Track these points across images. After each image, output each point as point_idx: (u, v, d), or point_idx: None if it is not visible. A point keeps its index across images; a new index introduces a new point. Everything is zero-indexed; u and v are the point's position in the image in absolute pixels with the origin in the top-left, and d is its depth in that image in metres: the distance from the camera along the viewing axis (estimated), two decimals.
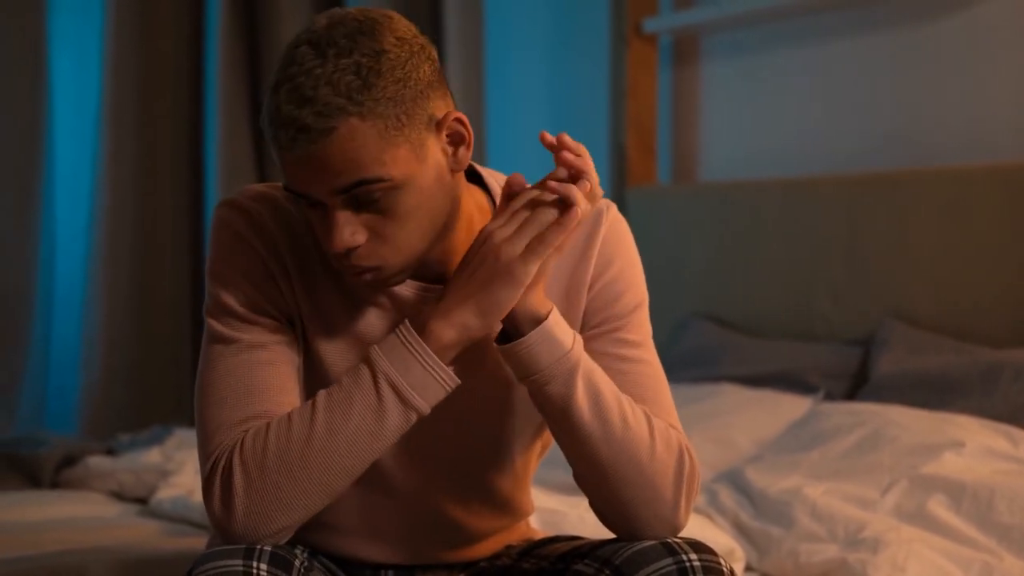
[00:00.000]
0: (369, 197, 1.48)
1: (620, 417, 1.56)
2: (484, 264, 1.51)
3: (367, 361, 1.53)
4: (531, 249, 1.50)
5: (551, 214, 1.51)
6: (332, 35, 1.47)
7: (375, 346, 1.54)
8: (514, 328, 1.55)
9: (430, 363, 1.52)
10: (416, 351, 1.52)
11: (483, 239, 1.52)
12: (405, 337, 1.52)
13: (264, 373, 1.57)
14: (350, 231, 1.49)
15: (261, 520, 1.51)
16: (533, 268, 1.50)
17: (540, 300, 1.54)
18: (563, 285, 1.64)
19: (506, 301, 1.51)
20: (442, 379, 1.53)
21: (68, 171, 4.21)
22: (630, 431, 1.56)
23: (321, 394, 1.53)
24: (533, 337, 1.53)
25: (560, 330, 1.54)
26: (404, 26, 1.51)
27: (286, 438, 1.51)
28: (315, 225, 1.52)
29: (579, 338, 1.56)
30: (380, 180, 1.48)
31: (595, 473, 1.57)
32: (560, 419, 1.56)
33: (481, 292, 1.51)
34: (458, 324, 1.52)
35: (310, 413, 1.52)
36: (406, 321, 1.53)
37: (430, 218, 1.53)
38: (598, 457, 1.56)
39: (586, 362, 1.56)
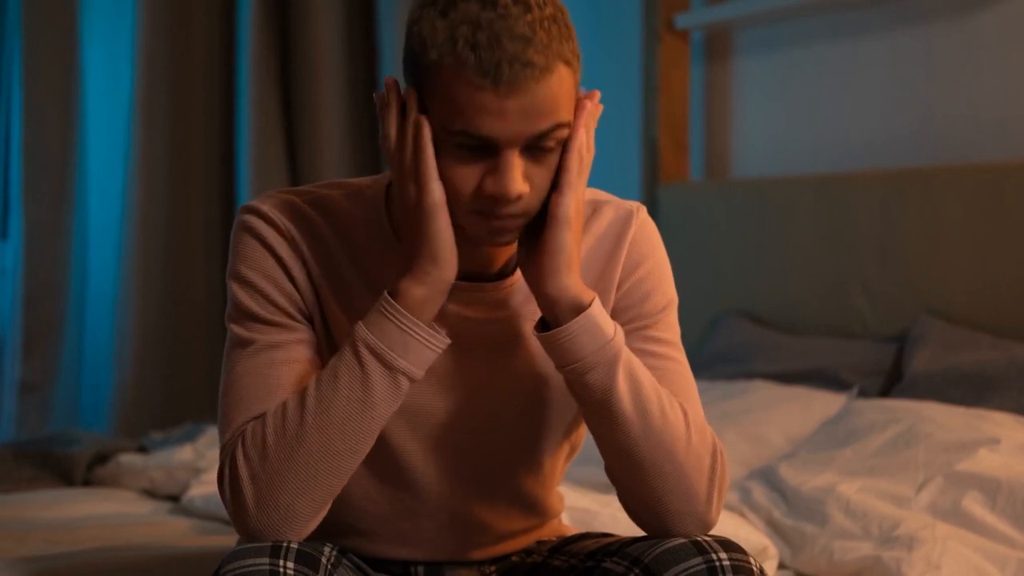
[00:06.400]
0: (547, 143, 1.49)
1: (659, 408, 1.55)
2: (401, 213, 1.52)
3: (351, 334, 1.52)
4: (416, 168, 1.49)
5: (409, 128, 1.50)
6: None
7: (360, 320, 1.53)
8: (555, 317, 1.53)
9: (405, 323, 1.50)
10: (390, 313, 1.50)
11: None
12: (380, 303, 1.51)
13: (280, 372, 1.56)
14: (523, 177, 1.49)
15: (272, 509, 1.50)
16: (430, 182, 1.49)
17: (581, 288, 1.53)
18: (591, 286, 1.61)
19: (439, 231, 1.50)
20: (422, 337, 1.51)
21: (100, 169, 4.24)
22: (668, 422, 1.55)
23: (313, 377, 1.53)
24: (576, 325, 1.51)
25: (603, 318, 1.53)
26: None
27: (282, 422, 1.51)
28: (461, 177, 1.49)
29: (619, 328, 1.55)
30: (565, 125, 1.49)
31: (631, 465, 1.56)
32: (600, 409, 1.54)
33: (416, 238, 1.51)
34: (419, 277, 1.50)
35: (302, 395, 1.51)
36: (384, 292, 1.52)
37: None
38: (636, 448, 1.54)
39: (626, 352, 1.54)
